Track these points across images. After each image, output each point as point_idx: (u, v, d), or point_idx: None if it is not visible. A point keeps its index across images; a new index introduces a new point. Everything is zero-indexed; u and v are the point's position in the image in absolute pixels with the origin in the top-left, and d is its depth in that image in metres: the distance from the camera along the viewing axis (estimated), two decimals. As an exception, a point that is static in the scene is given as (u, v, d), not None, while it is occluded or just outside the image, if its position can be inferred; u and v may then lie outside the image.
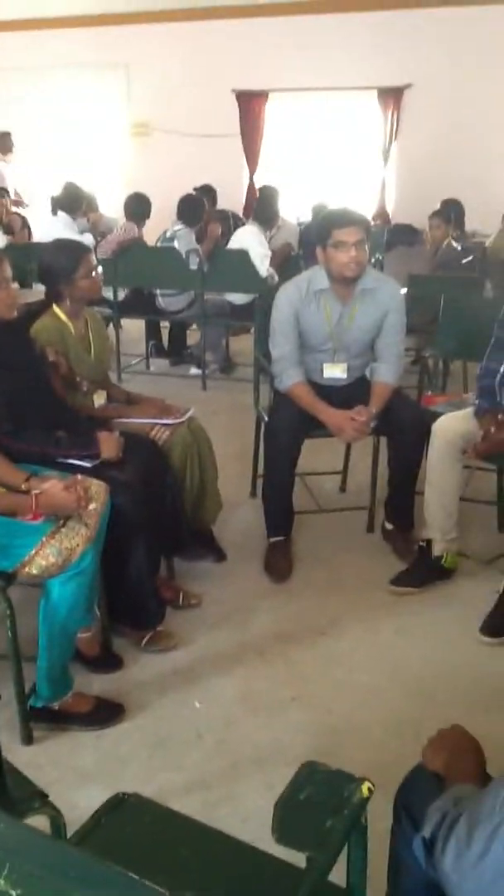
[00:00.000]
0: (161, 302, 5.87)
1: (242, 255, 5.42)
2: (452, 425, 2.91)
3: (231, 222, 6.97)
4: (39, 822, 1.37)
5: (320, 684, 2.48)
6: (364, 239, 2.99)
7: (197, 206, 5.86)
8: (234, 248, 5.61)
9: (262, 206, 5.93)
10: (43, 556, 2.10)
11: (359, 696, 2.43)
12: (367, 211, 7.13)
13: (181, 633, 2.70)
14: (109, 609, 2.57)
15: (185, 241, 5.55)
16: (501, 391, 2.86)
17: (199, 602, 2.88)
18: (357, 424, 3.01)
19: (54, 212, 6.21)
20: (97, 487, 2.28)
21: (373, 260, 4.94)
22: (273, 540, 3.17)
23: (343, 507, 3.62)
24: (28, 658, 2.19)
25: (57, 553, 2.10)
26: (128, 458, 2.57)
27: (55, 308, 2.79)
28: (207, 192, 6.71)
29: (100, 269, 2.84)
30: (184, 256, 5.49)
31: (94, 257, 2.85)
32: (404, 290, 3.80)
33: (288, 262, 5.72)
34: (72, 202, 6.12)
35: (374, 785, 1.17)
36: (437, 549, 2.97)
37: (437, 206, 6.24)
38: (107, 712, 2.31)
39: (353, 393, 3.17)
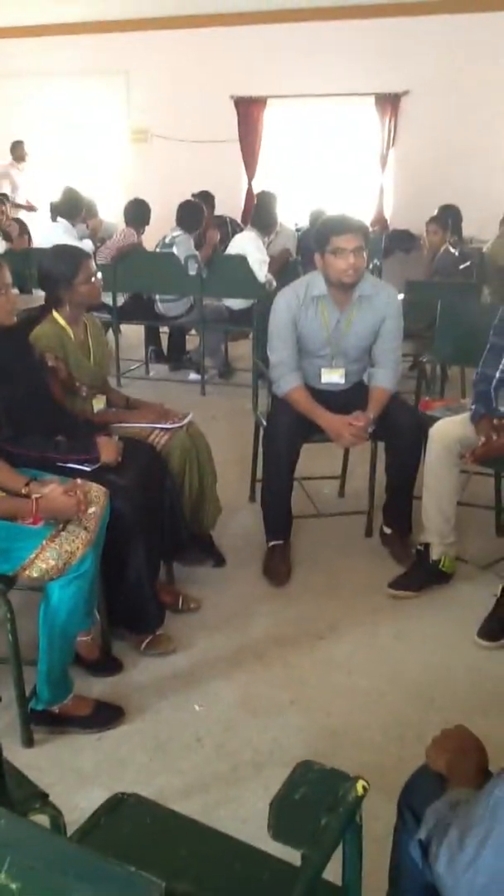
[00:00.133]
0: (160, 307, 5.90)
1: (241, 260, 5.44)
2: (450, 430, 2.92)
3: (229, 228, 7.01)
4: (40, 821, 1.38)
5: (319, 688, 2.49)
6: (362, 246, 2.99)
7: (196, 212, 5.88)
8: (233, 253, 5.62)
9: (260, 212, 5.94)
10: (43, 560, 2.11)
11: (357, 699, 2.44)
12: (365, 217, 7.15)
13: (180, 636, 2.71)
14: (109, 612, 2.57)
15: (184, 246, 5.57)
16: (497, 397, 2.87)
17: (199, 606, 2.89)
18: (355, 429, 3.03)
19: (54, 218, 6.23)
20: (97, 491, 2.30)
21: (371, 266, 4.96)
22: (272, 544, 3.18)
23: (341, 512, 3.64)
24: (28, 661, 2.21)
25: (57, 556, 2.12)
26: (127, 463, 2.58)
27: (55, 314, 2.80)
28: (206, 198, 6.72)
29: (99, 274, 2.85)
30: (183, 262, 5.51)
31: (93, 263, 2.86)
32: (402, 296, 3.82)
33: (286, 268, 5.75)
34: (71, 208, 6.13)
35: (368, 783, 1.18)
36: (435, 553, 2.98)
37: (435, 211, 6.26)
38: (106, 715, 2.32)
39: (350, 398, 3.18)
